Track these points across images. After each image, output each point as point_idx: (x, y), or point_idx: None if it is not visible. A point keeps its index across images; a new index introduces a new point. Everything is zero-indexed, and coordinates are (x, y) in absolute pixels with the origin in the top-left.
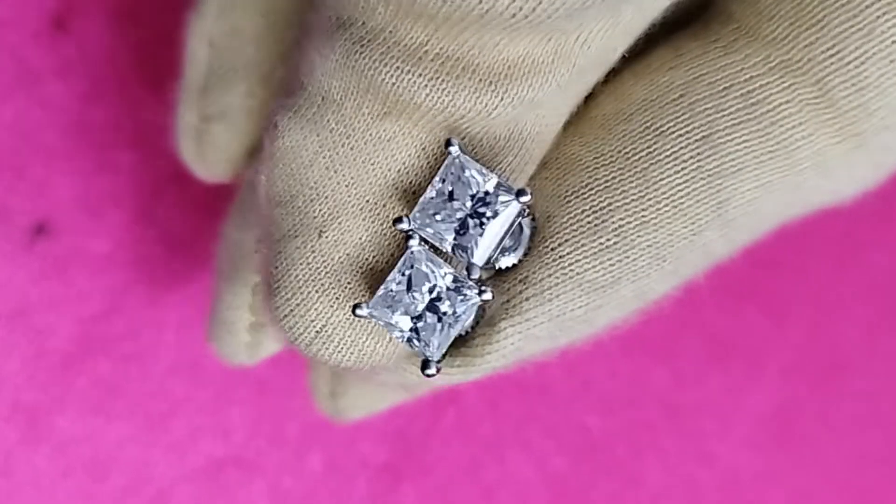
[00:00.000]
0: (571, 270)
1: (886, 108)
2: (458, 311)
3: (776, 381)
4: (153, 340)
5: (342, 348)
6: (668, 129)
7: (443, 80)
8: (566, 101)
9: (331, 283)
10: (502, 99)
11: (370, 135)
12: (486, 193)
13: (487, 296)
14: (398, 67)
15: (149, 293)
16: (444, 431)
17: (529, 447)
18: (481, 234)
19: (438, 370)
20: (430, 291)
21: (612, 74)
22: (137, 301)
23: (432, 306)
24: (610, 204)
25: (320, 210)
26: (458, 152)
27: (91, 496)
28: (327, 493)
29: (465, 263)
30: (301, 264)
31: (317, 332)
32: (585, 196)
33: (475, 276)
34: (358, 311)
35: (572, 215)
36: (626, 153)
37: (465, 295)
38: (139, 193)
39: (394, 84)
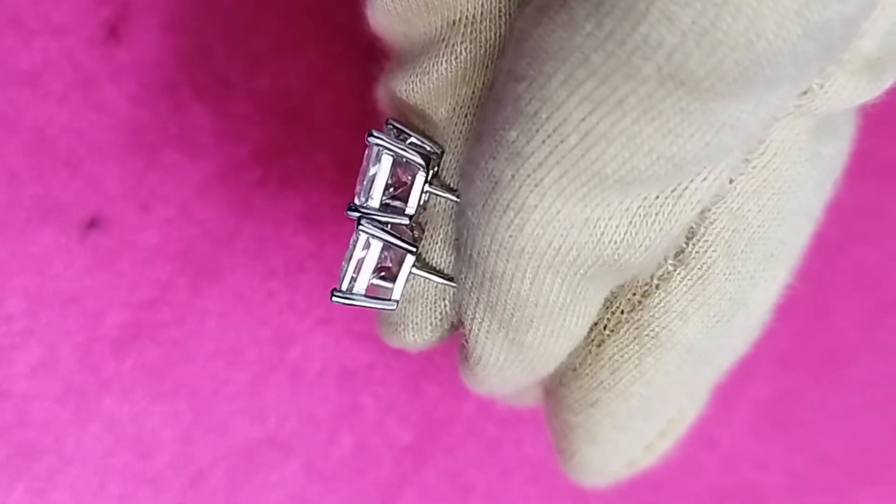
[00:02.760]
0: None
1: None
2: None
3: (776, 370)
4: (196, 328)
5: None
6: None
7: None
8: None
9: None
10: None
11: None
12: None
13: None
14: None
15: (193, 284)
16: (466, 415)
17: (545, 430)
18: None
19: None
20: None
21: None
22: (182, 291)
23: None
24: None
25: None
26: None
27: (136, 473)
28: (356, 473)
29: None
30: None
31: None
32: None
33: (351, 211)
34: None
35: None
36: None
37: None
38: (185, 191)
39: None
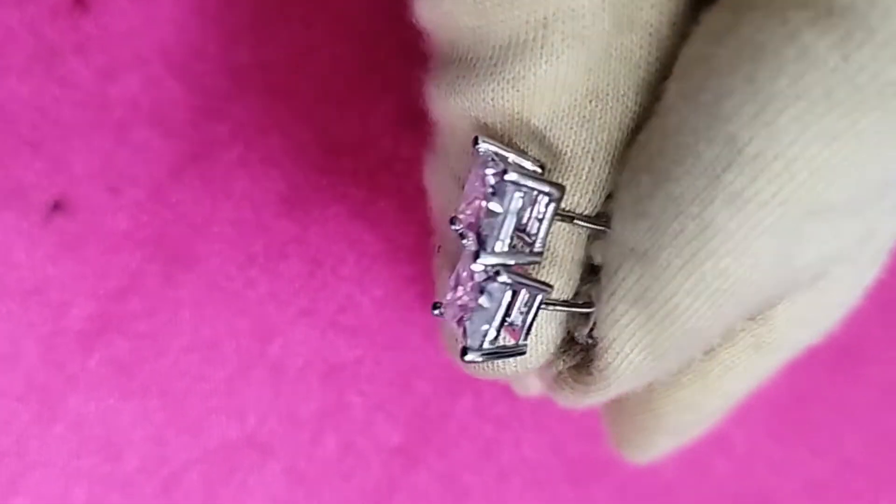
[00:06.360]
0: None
1: None
2: (483, 301)
3: (793, 368)
4: (168, 320)
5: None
6: None
7: None
8: None
9: None
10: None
11: None
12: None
13: (501, 280)
14: None
15: (165, 272)
16: (461, 414)
17: (545, 431)
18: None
19: (480, 359)
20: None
21: None
22: (153, 280)
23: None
24: None
25: None
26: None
27: (104, 476)
28: (341, 477)
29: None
30: None
31: None
32: None
33: (475, 266)
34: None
35: None
36: None
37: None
38: (157, 172)
39: None
